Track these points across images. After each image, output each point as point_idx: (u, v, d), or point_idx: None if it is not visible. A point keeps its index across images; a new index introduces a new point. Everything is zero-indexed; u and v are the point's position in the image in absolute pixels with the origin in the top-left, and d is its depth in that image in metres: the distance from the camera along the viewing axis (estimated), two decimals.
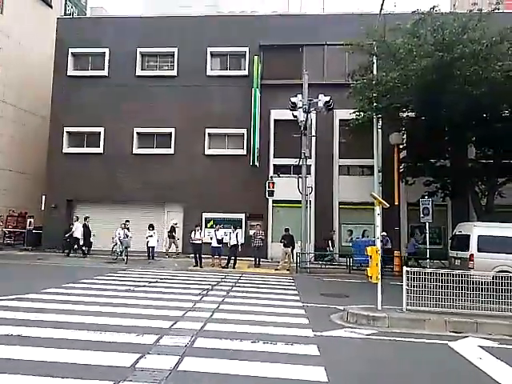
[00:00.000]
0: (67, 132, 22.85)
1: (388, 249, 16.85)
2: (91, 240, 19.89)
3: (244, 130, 21.69)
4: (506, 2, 25.37)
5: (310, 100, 17.34)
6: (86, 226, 19.60)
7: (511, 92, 13.70)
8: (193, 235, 17.18)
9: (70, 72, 23.24)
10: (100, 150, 22.54)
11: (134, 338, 6.46)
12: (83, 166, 22.22)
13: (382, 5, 15.69)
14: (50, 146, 22.96)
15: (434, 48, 13.86)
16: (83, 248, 19.10)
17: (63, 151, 22.69)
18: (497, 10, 15.11)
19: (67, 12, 25.99)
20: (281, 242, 17.70)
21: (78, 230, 19.00)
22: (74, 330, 6.78)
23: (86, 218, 19.92)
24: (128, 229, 18.02)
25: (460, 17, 14.90)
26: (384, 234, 16.41)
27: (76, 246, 19.25)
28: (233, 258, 16.96)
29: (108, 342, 6.30)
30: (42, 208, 22.45)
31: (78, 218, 19.91)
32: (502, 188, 17.28)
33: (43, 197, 22.44)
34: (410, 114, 17.50)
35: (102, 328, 6.93)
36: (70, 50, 23.23)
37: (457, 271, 8.92)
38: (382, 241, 16.65)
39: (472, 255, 12.89)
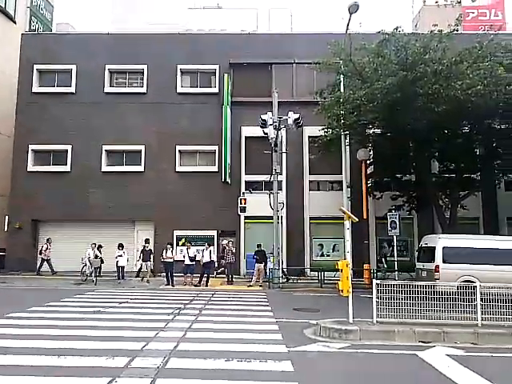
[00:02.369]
0: (32, 150, 22.21)
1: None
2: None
3: (215, 147, 21.77)
4: (464, 24, 26.68)
5: (280, 117, 17.60)
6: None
7: (470, 109, 14.34)
8: (164, 253, 16.99)
9: (35, 89, 22.73)
10: (67, 168, 22.01)
11: (104, 362, 6.34)
12: (49, 184, 21.63)
13: (348, 25, 16.16)
14: (14, 165, 22.23)
15: (398, 67, 14.37)
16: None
17: (28, 170, 22.00)
18: (456, 32, 15.85)
19: (32, 28, 25.43)
20: (253, 258, 17.70)
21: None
22: (39, 355, 6.59)
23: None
24: (100, 249, 17.79)
25: (422, 37, 15.54)
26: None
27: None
28: (205, 275, 16.83)
29: (76, 366, 6.15)
30: (6, 229, 21.69)
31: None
32: (464, 201, 17.93)
33: (6, 217, 21.70)
34: (376, 130, 18.05)
35: (70, 352, 6.76)
36: (35, 67, 22.76)
37: (423, 282, 9.19)
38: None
39: (437, 266, 13.29)
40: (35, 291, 15.07)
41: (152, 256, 17.85)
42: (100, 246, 18.33)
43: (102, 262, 17.78)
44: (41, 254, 19.86)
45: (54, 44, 23.36)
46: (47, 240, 20.14)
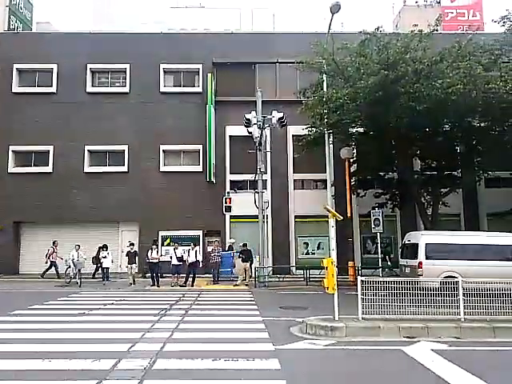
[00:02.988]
0: (13, 151, 21.84)
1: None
2: None
3: (200, 147, 21.71)
4: (443, 24, 27.10)
5: (264, 116, 17.64)
6: None
7: (450, 108, 14.60)
8: (149, 254, 16.86)
9: (15, 89, 22.33)
10: (49, 169, 21.69)
11: (90, 364, 6.30)
12: (31, 186, 21.27)
13: (330, 24, 16.30)
14: None
15: (380, 66, 14.54)
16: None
17: (9, 171, 21.62)
18: (435, 32, 16.10)
19: (11, 27, 24.94)
20: (239, 257, 17.72)
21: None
22: (23, 359, 6.52)
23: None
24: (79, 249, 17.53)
25: (402, 37, 15.76)
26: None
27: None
28: (191, 275, 16.79)
29: (61, 370, 6.10)
30: None
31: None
32: (446, 198, 18.25)
33: None
34: (359, 129, 18.22)
35: (55, 355, 6.69)
36: (15, 66, 22.35)
37: (407, 278, 9.34)
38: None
39: (421, 263, 13.48)
40: (18, 294, 14.84)
41: (137, 258, 17.64)
42: (78, 246, 17.94)
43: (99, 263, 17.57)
44: (47, 257, 19.18)
45: (34, 43, 22.98)
46: (53, 243, 19.55)
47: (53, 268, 19.15)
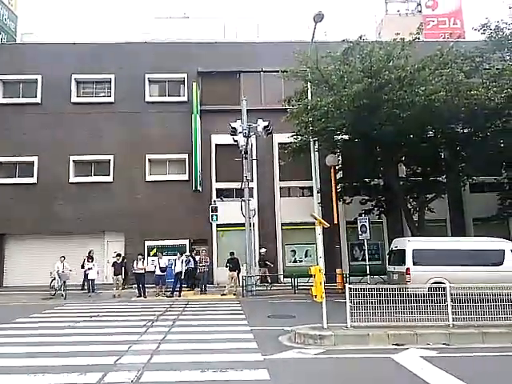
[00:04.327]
0: None
1: (192, 269, 17.29)
2: None
3: (185, 155, 21.65)
4: (425, 32, 27.60)
5: (250, 125, 17.67)
6: None
7: (434, 115, 14.79)
8: (135, 265, 16.67)
9: (0, 100, 22.16)
10: (33, 179, 21.43)
11: (76, 378, 6.19)
12: (15, 197, 20.99)
13: (314, 33, 16.45)
14: None
15: (363, 74, 14.68)
16: None
17: None
18: (417, 40, 16.34)
19: None
20: (226, 266, 17.60)
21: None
22: (7, 374, 6.38)
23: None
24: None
25: (385, 45, 15.93)
26: (187, 254, 17.55)
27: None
28: (179, 286, 16.62)
29: None
30: None
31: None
32: (432, 204, 18.42)
33: None
34: (344, 136, 18.30)
35: (40, 370, 6.56)
36: (0, 77, 22.20)
37: (395, 285, 9.35)
38: (186, 261, 17.34)
39: (408, 269, 13.52)
40: (2, 308, 14.55)
41: (124, 269, 17.36)
42: (64, 258, 17.57)
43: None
44: (83, 268, 18.21)
45: (18, 54, 22.87)
46: (89, 253, 18.88)
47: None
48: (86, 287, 18.08)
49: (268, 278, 18.37)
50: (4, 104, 22.16)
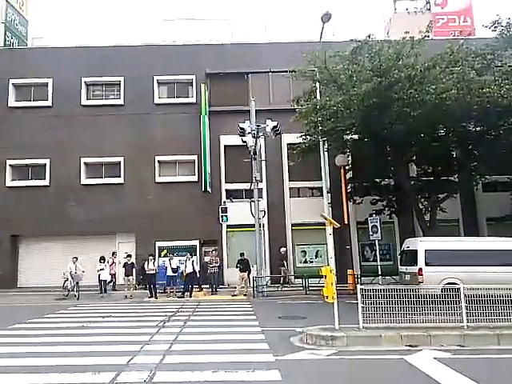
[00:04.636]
0: (10, 165, 21.89)
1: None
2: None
3: (195, 157, 21.72)
4: (435, 30, 27.34)
5: (258, 125, 17.65)
6: None
7: (445, 113, 14.64)
8: (146, 265, 16.74)
9: (12, 103, 22.47)
10: (46, 182, 21.71)
11: (90, 377, 6.23)
12: (28, 199, 21.27)
13: (322, 33, 16.40)
14: None
15: (373, 73, 14.60)
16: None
17: (6, 185, 21.66)
18: (427, 38, 16.21)
19: (7, 43, 25.19)
20: (236, 267, 17.58)
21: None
22: (22, 373, 6.44)
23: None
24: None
25: (394, 44, 15.81)
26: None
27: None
28: (190, 286, 16.64)
29: (61, 383, 6.03)
30: None
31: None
32: (443, 203, 18.22)
33: None
34: (354, 136, 18.21)
35: (54, 369, 6.61)
36: (11, 81, 22.52)
37: (408, 286, 9.24)
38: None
39: (420, 269, 13.37)
40: (17, 308, 14.74)
41: (134, 270, 17.48)
42: (76, 259, 17.74)
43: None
44: (111, 269, 18.46)
45: (29, 58, 23.19)
46: (112, 254, 19.25)
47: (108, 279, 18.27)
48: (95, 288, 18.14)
49: (286, 278, 18.23)
50: (16, 107, 22.46)
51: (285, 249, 20.39)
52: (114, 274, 18.94)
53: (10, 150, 21.69)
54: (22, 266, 21.68)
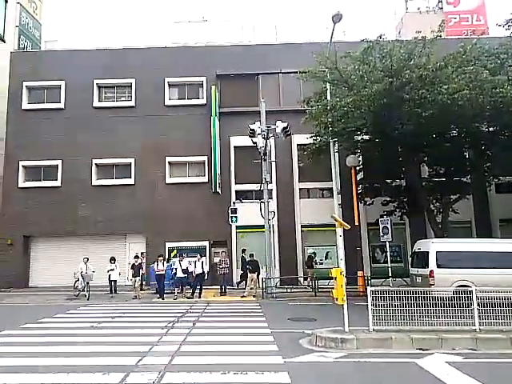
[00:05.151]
0: (23, 166, 22.15)
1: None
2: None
3: (205, 158, 21.76)
4: (447, 29, 27.06)
5: (268, 126, 17.61)
6: None
7: (457, 113, 14.45)
8: (155, 266, 16.76)
9: (25, 105, 22.73)
10: (58, 183, 21.93)
11: (100, 378, 6.26)
12: (40, 200, 21.52)
13: (332, 34, 16.31)
14: (4, 181, 22.12)
15: (384, 74, 14.46)
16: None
17: (19, 186, 21.92)
18: (439, 37, 16.04)
19: (21, 46, 25.59)
20: (246, 267, 17.55)
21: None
22: (32, 373, 6.49)
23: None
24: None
25: (406, 44, 15.66)
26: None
27: None
28: (198, 287, 16.66)
29: (71, 383, 6.08)
30: None
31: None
32: (456, 204, 17.98)
33: None
34: (364, 136, 18.09)
35: (64, 369, 6.66)
36: (25, 84, 22.77)
37: (419, 288, 9.13)
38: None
39: (432, 271, 13.23)
40: (28, 308, 14.87)
41: (141, 271, 17.44)
42: (87, 259, 17.89)
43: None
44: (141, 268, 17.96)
45: (42, 61, 23.46)
46: (141, 254, 19.36)
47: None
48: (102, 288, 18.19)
49: (313, 281, 17.58)
50: (29, 109, 22.72)
51: (313, 251, 20.26)
52: (144, 274, 18.51)
53: (22, 152, 21.99)
54: (34, 266, 21.93)
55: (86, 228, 21.33)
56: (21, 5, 26.21)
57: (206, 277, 17.00)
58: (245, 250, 18.48)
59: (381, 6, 75.02)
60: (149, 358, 7.40)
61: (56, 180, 22.00)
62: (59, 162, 22.06)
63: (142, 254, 19.58)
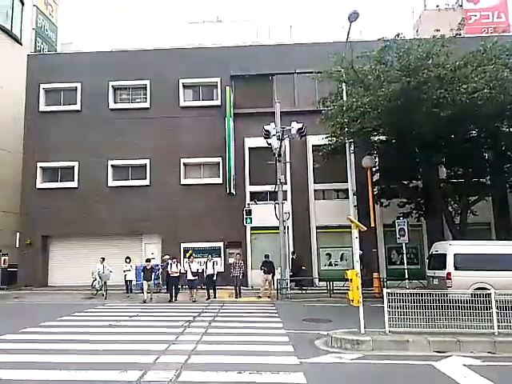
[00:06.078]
0: (41, 167, 22.54)
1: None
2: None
3: (219, 159, 21.80)
4: (466, 27, 26.58)
5: (283, 127, 17.58)
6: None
7: (477, 113, 14.21)
8: (169, 268, 16.67)
9: (42, 108, 23.09)
10: (74, 184, 22.23)
11: (117, 375, 6.32)
12: (58, 200, 21.84)
13: (348, 33, 16.16)
14: (23, 182, 22.52)
15: (401, 73, 14.25)
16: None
17: (37, 187, 22.31)
18: (459, 36, 15.78)
19: (37, 48, 26.01)
20: (261, 269, 17.54)
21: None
22: (52, 370, 6.60)
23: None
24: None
25: (424, 43, 15.35)
26: (167, 256, 17.35)
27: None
28: (212, 288, 16.65)
29: (89, 380, 6.17)
30: (17, 245, 21.86)
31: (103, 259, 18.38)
32: (474, 206, 17.64)
33: (17, 234, 21.92)
34: (381, 137, 17.88)
35: (83, 366, 6.76)
36: (42, 86, 23.14)
37: (436, 290, 9.00)
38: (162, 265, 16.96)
39: (449, 274, 13.03)
40: (47, 306, 15.11)
41: (153, 274, 17.00)
42: (103, 259, 18.09)
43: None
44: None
45: (58, 63, 23.75)
46: (162, 256, 19.27)
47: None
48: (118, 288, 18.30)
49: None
50: (46, 111, 23.07)
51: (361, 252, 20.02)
52: (186, 272, 17.30)
53: (40, 153, 22.37)
54: (53, 265, 22.34)
55: (102, 229, 21.57)
56: (37, 7, 26.66)
57: (214, 278, 16.84)
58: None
59: (398, 3, 74.32)
60: (166, 356, 7.45)
61: (73, 181, 22.31)
62: (76, 164, 22.38)
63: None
